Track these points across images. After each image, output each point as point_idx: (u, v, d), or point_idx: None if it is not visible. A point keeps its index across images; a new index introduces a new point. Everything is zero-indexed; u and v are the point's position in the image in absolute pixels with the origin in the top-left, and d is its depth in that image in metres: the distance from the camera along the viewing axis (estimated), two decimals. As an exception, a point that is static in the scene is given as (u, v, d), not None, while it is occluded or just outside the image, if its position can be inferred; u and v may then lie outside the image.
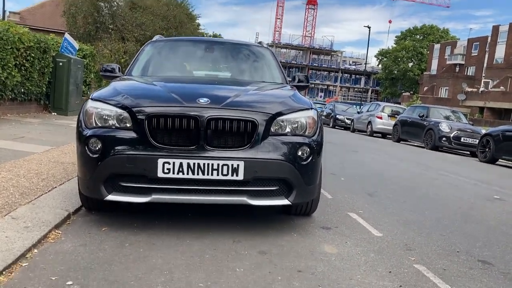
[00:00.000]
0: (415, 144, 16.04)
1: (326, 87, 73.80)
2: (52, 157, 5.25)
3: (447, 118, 15.21)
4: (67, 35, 11.75)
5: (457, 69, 53.91)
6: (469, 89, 44.96)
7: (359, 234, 3.46)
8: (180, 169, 2.89)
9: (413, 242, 3.38)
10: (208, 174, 2.91)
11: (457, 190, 6.21)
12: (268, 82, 4.33)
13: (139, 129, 2.95)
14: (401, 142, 16.57)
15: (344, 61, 76.51)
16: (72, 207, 3.41)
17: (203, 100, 3.02)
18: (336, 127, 23.97)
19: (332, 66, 73.42)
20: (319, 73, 73.36)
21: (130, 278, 2.33)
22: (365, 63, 52.85)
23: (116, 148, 2.94)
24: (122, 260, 2.57)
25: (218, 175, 2.92)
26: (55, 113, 11.01)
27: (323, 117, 24.50)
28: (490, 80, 44.99)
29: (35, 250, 2.60)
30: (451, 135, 13.68)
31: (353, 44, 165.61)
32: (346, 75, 74.43)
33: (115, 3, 20.21)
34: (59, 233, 2.93)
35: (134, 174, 2.95)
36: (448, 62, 55.30)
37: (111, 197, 2.99)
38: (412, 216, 4.25)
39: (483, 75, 47.95)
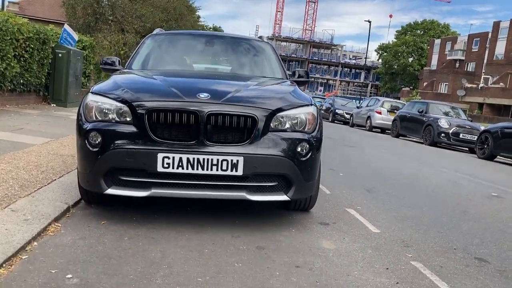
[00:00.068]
0: (414, 139, 16.07)
1: (326, 81, 73.71)
2: (51, 149, 5.25)
3: (446, 114, 15.22)
4: (66, 26, 11.71)
5: (457, 64, 53.85)
6: (469, 85, 44.92)
7: (357, 230, 3.48)
8: (180, 164, 2.90)
9: (410, 239, 3.40)
10: (207, 169, 2.92)
11: (455, 186, 6.24)
12: (268, 77, 4.33)
13: (139, 123, 2.96)
14: (400, 137, 16.60)
15: (344, 55, 76.34)
16: (72, 200, 3.42)
17: (203, 95, 3.02)
18: (335, 121, 23.97)
19: (332, 60, 73.27)
20: (319, 67, 73.24)
21: (130, 272, 2.34)
22: (365, 58, 52.72)
23: (116, 142, 2.95)
24: (121, 254, 2.58)
25: (217, 170, 2.93)
26: (54, 105, 10.99)
27: (322, 111, 24.51)
28: (490, 76, 44.96)
29: (35, 243, 2.61)
30: (450, 131, 13.71)
31: (354, 38, 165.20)
32: (346, 69, 74.30)
33: (115, -6, 20.12)
34: (58, 226, 2.94)
35: (133, 168, 2.96)
36: (448, 58, 55.21)
37: (110, 191, 3.00)
38: (410, 212, 4.27)
39: (483, 71, 47.92)
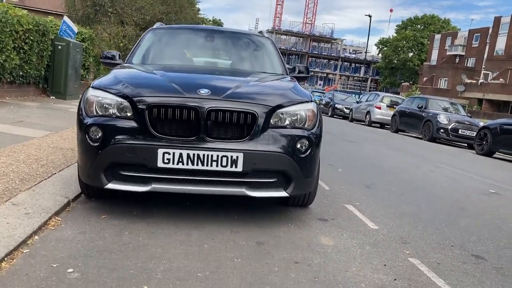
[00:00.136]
0: (413, 135, 16.08)
1: (325, 75, 73.59)
2: (51, 142, 5.26)
3: (445, 109, 15.24)
4: (66, 18, 11.66)
5: (457, 60, 53.77)
6: (469, 81, 44.91)
7: (356, 226, 3.51)
8: (180, 160, 2.91)
9: (408, 235, 3.43)
10: (207, 165, 2.94)
11: (454, 183, 6.26)
12: (268, 72, 4.34)
13: (140, 118, 2.97)
14: (399, 132, 16.62)
15: (344, 49, 76.14)
16: (72, 194, 3.44)
17: (203, 91, 3.03)
18: (335, 116, 23.98)
19: (332, 54, 73.09)
20: (318, 61, 73.08)
21: (130, 267, 2.37)
22: (366, 52, 52.60)
23: (116, 137, 2.96)
24: (122, 249, 2.60)
25: (217, 166, 2.94)
26: (54, 97, 10.98)
27: (321, 105, 24.50)
28: (489, 72, 44.94)
29: (36, 237, 2.63)
30: (449, 127, 13.73)
31: (354, 32, 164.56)
32: (346, 63, 74.14)
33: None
34: (59, 220, 2.96)
35: (134, 164, 2.97)
36: (448, 53, 55.12)
37: (111, 186, 3.01)
38: (409, 208, 4.30)
39: (483, 66, 47.88)
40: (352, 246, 3.05)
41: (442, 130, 13.83)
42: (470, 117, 15.43)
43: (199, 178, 3.01)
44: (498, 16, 47.02)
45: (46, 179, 3.66)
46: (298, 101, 3.30)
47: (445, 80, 50.58)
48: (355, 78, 72.61)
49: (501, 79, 41.70)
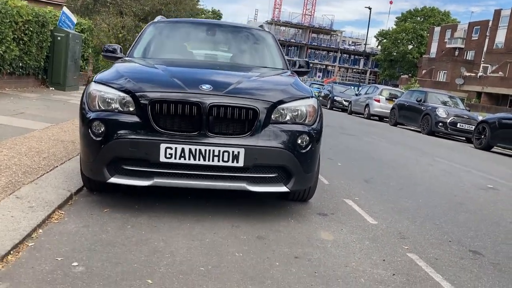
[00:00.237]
0: (412, 128, 16.13)
1: (324, 67, 73.44)
2: (52, 134, 5.28)
3: (444, 103, 15.28)
4: (65, 9, 11.61)
5: (457, 53, 53.70)
6: (468, 74, 44.91)
7: (355, 221, 3.55)
8: (182, 155, 2.94)
9: (407, 231, 3.47)
10: (209, 160, 2.97)
11: (452, 177, 6.31)
12: (269, 67, 4.36)
13: (142, 113, 2.99)
14: (398, 126, 16.66)
15: (343, 41, 75.91)
16: (74, 187, 3.47)
17: (205, 87, 3.05)
18: (334, 108, 23.99)
19: (331, 46, 72.88)
20: (318, 52, 72.90)
21: (134, 261, 2.40)
22: (365, 44, 52.48)
23: (119, 132, 2.98)
24: (125, 242, 2.64)
25: (219, 161, 2.98)
26: (53, 88, 10.97)
27: (320, 98, 24.49)
28: (489, 65, 44.93)
29: (40, 230, 2.67)
30: (448, 121, 13.78)
31: (353, 24, 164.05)
32: (345, 55, 73.99)
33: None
34: (62, 213, 3.00)
35: (136, 158, 3.00)
36: (447, 46, 55.02)
37: (113, 180, 3.04)
38: (407, 203, 4.34)
39: (482, 59, 47.85)
40: (351, 241, 3.10)
41: (440, 124, 13.88)
42: (469, 111, 15.48)
43: (200, 173, 3.04)
44: (498, 8, 46.94)
45: (48, 172, 3.68)
46: (299, 96, 3.33)
47: (444, 73, 50.56)
48: (354, 70, 72.53)
49: (500, 72, 41.71)
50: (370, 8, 44.28)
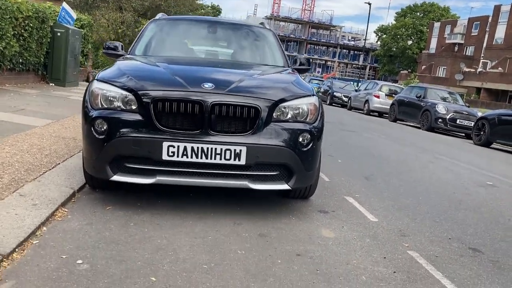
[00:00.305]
0: (411, 124, 16.16)
1: (324, 62, 73.36)
2: (53, 131, 5.29)
3: (444, 99, 15.30)
4: (64, 4, 11.58)
5: (456, 48, 53.63)
6: (467, 69, 44.87)
7: (356, 219, 3.58)
8: (184, 153, 2.96)
9: (407, 228, 3.50)
10: (211, 158, 2.99)
11: (451, 174, 6.34)
12: (270, 65, 4.37)
13: (145, 112, 3.01)
14: (398, 122, 16.68)
15: (343, 36, 75.79)
16: (77, 184, 3.49)
17: (207, 85, 3.06)
18: (333, 104, 23.97)
19: (331, 41, 72.76)
20: (317, 48, 72.78)
21: (137, 258, 2.43)
22: (365, 39, 52.37)
23: (121, 130, 3.00)
24: (128, 240, 2.66)
25: (221, 159, 3.00)
26: (53, 84, 10.97)
27: (320, 93, 24.48)
28: (488, 61, 44.89)
29: (44, 228, 2.69)
30: (447, 117, 13.81)
31: (353, 19, 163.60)
32: (345, 50, 73.85)
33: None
34: (65, 211, 3.02)
35: (139, 156, 3.02)
36: (447, 41, 54.94)
37: (116, 178, 3.06)
38: (407, 201, 4.37)
39: (482, 55, 47.78)
40: (352, 238, 3.12)
41: (440, 120, 13.90)
42: (468, 107, 15.50)
43: (203, 170, 3.06)
44: (498, 4, 46.79)
45: (50, 169, 3.70)
46: (301, 95, 3.34)
47: (443, 68, 50.50)
48: (354, 65, 72.46)
49: (499, 68, 41.68)
50: (369, 3, 44.15)
